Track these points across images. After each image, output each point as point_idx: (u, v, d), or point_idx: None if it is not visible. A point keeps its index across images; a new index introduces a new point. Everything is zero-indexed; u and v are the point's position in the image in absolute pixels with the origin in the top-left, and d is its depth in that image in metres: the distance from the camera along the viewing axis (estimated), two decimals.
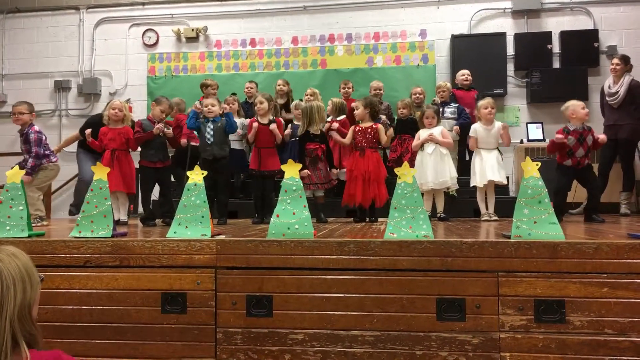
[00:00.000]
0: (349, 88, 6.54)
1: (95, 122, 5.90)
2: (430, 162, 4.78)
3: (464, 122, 5.81)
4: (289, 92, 6.66)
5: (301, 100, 6.03)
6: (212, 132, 4.64)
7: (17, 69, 8.61)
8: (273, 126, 4.70)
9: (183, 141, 5.28)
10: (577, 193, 4.95)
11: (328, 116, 5.94)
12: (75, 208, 6.15)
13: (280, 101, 6.51)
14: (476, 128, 4.85)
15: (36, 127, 5.00)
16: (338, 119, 5.72)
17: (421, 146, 4.88)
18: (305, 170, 4.55)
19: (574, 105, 4.60)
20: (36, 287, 1.46)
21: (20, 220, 3.01)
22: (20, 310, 1.38)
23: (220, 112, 4.77)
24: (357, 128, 4.65)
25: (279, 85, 6.64)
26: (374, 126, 4.61)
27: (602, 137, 4.59)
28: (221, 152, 4.66)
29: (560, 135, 4.45)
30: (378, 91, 6.54)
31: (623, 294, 2.40)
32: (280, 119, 5.27)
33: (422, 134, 4.91)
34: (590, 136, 4.52)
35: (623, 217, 5.47)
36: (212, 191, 4.43)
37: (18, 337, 1.36)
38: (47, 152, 5.01)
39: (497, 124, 4.82)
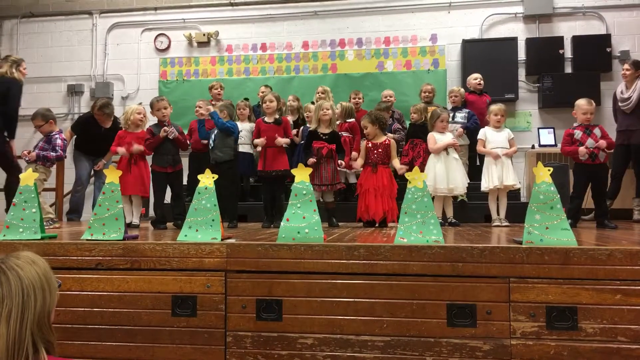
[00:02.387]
0: (359, 98, 6.54)
1: (86, 121, 6.04)
2: (444, 168, 4.76)
3: (470, 127, 5.85)
4: (299, 109, 6.61)
5: (313, 103, 6.03)
6: (213, 137, 4.70)
7: (31, 73, 8.60)
8: (280, 141, 4.68)
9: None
10: (590, 199, 4.91)
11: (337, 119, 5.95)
12: (75, 215, 6.15)
13: (291, 118, 6.47)
14: (485, 131, 4.85)
15: (63, 135, 5.15)
16: (348, 120, 5.74)
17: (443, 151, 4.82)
18: (311, 159, 4.49)
19: (577, 106, 4.69)
20: (54, 293, 1.45)
21: (33, 223, 3.04)
22: (40, 318, 1.37)
23: (207, 113, 4.82)
24: (370, 144, 4.62)
25: (289, 100, 6.60)
26: (386, 142, 4.60)
27: (601, 142, 4.58)
28: (223, 157, 4.66)
29: (584, 151, 4.49)
30: (389, 98, 6.55)
31: (636, 301, 2.37)
32: (286, 117, 5.24)
33: (441, 138, 4.87)
34: (598, 129, 4.57)
35: (636, 223, 5.41)
36: (220, 195, 4.44)
37: (38, 345, 1.35)
38: (53, 153, 5.05)
39: (506, 130, 4.82)
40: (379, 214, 4.46)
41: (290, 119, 6.38)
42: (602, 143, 4.53)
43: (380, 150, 4.56)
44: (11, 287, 1.35)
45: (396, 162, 4.64)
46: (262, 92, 6.78)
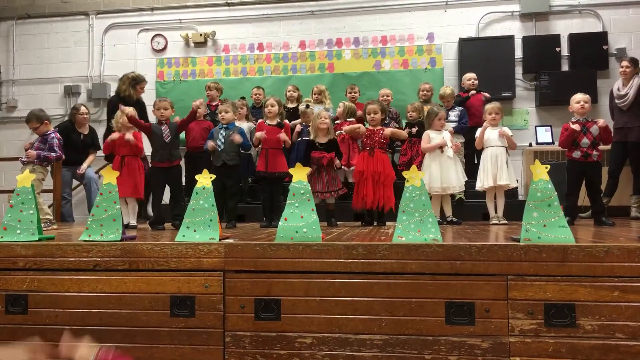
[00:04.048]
0: (355, 92, 6.56)
1: (66, 128, 6.12)
2: (438, 166, 4.77)
3: (458, 128, 5.93)
4: (299, 98, 6.68)
5: (308, 106, 6.02)
6: (223, 140, 4.68)
7: (27, 75, 8.68)
8: (283, 135, 4.71)
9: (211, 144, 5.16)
10: (587, 197, 4.92)
11: (337, 119, 5.95)
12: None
13: (290, 106, 6.54)
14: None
15: (58, 135, 5.17)
16: (349, 120, 5.75)
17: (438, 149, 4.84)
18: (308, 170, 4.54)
19: (571, 100, 4.74)
20: None
21: (31, 224, 3.03)
22: None
23: (234, 119, 4.81)
24: (368, 129, 4.65)
25: (289, 91, 6.67)
26: (381, 131, 4.62)
27: (601, 121, 4.62)
28: (231, 160, 4.69)
29: (576, 125, 4.53)
30: (386, 97, 6.58)
31: (634, 298, 2.37)
32: (287, 122, 5.27)
33: (436, 137, 4.87)
34: (596, 127, 4.58)
35: (633, 220, 5.42)
36: (221, 196, 4.47)
37: None
38: (53, 154, 5.05)
39: (504, 129, 4.83)
40: (376, 203, 4.46)
41: (290, 106, 6.44)
42: (602, 122, 4.60)
43: (375, 136, 4.58)
44: None
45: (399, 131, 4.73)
46: (256, 95, 6.82)
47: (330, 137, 4.75)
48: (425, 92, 6.45)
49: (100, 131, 7.45)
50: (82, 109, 6.30)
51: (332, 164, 4.64)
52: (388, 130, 4.66)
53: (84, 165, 6.15)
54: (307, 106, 6.03)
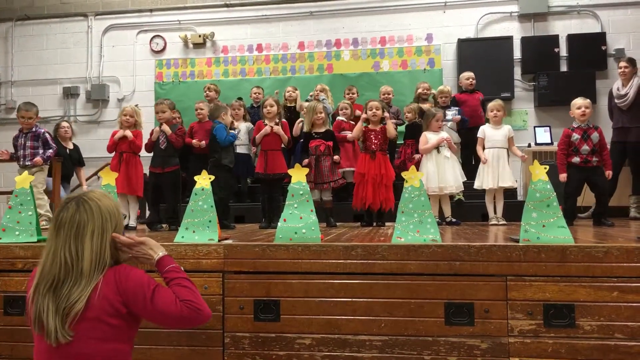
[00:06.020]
0: (353, 94, 6.55)
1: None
2: (435, 166, 4.77)
3: (464, 123, 5.93)
4: (297, 98, 6.69)
5: (308, 100, 6.03)
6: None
7: (26, 76, 8.68)
8: (277, 128, 4.71)
9: (195, 141, 5.13)
10: (586, 197, 4.92)
11: (336, 114, 5.95)
12: None
13: (289, 105, 6.55)
14: (484, 129, 4.85)
15: (44, 128, 5.17)
16: (351, 121, 5.75)
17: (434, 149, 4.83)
18: (306, 160, 4.58)
19: (572, 105, 4.68)
20: (121, 221, 1.86)
21: (29, 226, 3.02)
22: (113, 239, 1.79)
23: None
24: (369, 130, 4.64)
25: (288, 91, 6.66)
26: (380, 128, 4.63)
27: (608, 173, 4.65)
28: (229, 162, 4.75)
29: (563, 177, 4.56)
30: (387, 95, 6.58)
31: (633, 298, 2.37)
32: (285, 121, 5.26)
33: (433, 137, 4.86)
34: (597, 134, 4.54)
35: (632, 220, 5.42)
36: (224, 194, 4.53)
37: (110, 260, 1.76)
38: (51, 150, 5.08)
39: (506, 127, 4.81)
40: (376, 204, 4.48)
41: (289, 105, 6.44)
42: (609, 174, 4.61)
43: (379, 135, 4.58)
44: (93, 212, 1.74)
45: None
46: (256, 94, 6.81)
47: (326, 127, 4.80)
48: (425, 90, 6.41)
49: (99, 133, 7.45)
50: (63, 124, 6.34)
51: (329, 152, 4.65)
52: (387, 126, 4.65)
53: (85, 187, 6.20)
54: (307, 100, 6.04)
